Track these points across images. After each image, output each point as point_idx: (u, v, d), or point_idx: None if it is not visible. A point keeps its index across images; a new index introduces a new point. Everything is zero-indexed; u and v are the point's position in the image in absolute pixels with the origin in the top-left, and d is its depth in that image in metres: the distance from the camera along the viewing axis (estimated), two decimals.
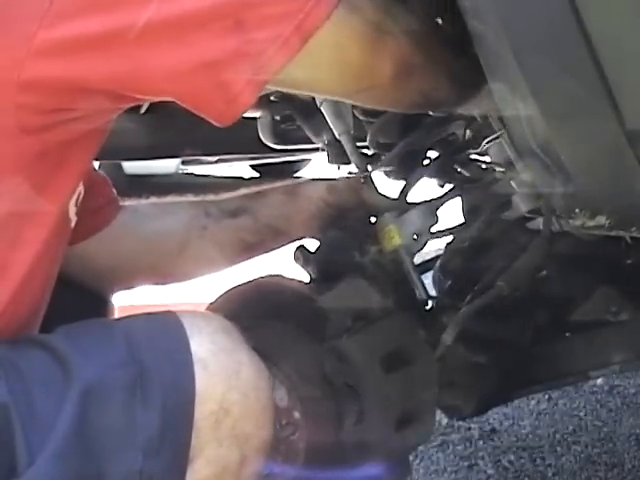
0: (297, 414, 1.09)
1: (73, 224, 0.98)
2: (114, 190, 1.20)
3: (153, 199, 1.21)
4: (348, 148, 1.37)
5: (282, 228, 1.24)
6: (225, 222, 1.21)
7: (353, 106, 1.38)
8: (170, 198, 1.25)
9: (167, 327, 0.89)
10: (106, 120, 0.95)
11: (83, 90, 0.86)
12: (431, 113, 1.24)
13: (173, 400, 0.84)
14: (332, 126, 1.37)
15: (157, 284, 1.26)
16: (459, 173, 1.41)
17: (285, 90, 1.06)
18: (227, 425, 0.86)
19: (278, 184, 1.26)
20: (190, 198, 1.24)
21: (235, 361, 0.89)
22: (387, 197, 1.27)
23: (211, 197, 1.25)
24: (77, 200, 0.98)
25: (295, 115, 1.57)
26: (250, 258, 1.26)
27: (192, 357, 0.86)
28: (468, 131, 1.31)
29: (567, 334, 1.38)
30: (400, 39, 0.94)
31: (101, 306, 1.20)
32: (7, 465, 0.80)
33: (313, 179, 1.32)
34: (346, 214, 1.24)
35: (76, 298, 1.02)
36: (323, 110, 1.40)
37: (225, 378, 0.87)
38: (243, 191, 1.24)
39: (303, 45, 0.86)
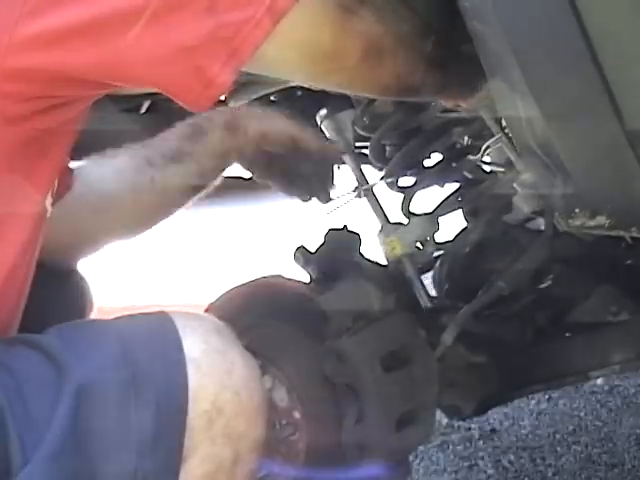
0: (297, 414, 1.09)
1: (49, 214, 0.99)
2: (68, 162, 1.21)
3: (94, 156, 1.20)
4: (351, 166, 1.37)
5: (224, 166, 1.25)
6: (170, 169, 1.22)
7: (353, 122, 1.38)
8: (110, 151, 1.23)
9: (160, 328, 0.89)
10: (86, 106, 0.95)
11: (64, 78, 0.87)
12: (413, 100, 1.24)
13: (167, 400, 0.85)
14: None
15: (117, 242, 1.27)
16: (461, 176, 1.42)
17: (259, 72, 1.06)
18: (220, 424, 0.86)
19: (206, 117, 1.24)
20: (128, 147, 1.22)
21: (227, 361, 0.89)
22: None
23: (148, 142, 1.24)
24: (52, 191, 0.98)
25: (294, 114, 1.57)
26: (198, 198, 1.27)
27: (185, 357, 0.86)
28: (468, 138, 1.31)
29: (567, 334, 1.38)
30: (370, 21, 0.94)
31: (76, 290, 1.21)
32: (2, 465, 0.80)
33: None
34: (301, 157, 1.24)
35: (50, 282, 1.02)
36: (324, 128, 1.40)
37: (218, 378, 0.87)
38: (180, 129, 1.24)
39: (275, 25, 0.86)
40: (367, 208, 1.36)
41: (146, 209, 1.24)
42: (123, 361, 0.85)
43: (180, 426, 0.84)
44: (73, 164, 1.18)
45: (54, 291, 0.99)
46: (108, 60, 0.86)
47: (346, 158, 1.38)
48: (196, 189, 1.25)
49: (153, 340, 0.88)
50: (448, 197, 1.37)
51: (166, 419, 0.84)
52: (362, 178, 1.37)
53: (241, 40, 0.86)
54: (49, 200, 0.97)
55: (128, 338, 0.88)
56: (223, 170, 1.25)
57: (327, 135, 1.43)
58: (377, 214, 1.34)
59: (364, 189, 1.32)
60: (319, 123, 1.40)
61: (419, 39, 0.99)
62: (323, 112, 1.43)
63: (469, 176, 1.41)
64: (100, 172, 1.22)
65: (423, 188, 1.36)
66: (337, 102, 1.42)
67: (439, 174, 1.38)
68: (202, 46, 0.86)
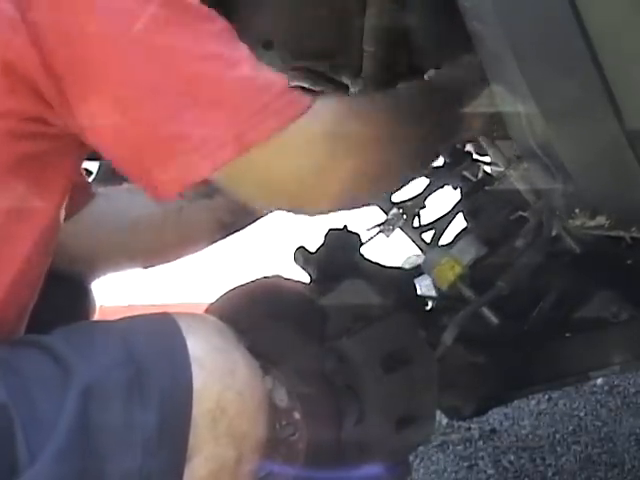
0: (297, 414, 1.09)
1: (62, 219, 0.99)
2: (86, 176, 1.20)
3: (126, 185, 1.19)
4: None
5: (258, 211, 1.22)
6: (200, 202, 1.20)
7: None
8: None
9: (164, 328, 0.90)
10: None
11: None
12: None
13: (171, 399, 0.85)
14: None
15: (136, 268, 1.26)
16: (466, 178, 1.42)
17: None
18: (224, 424, 0.87)
19: None
20: None
21: (230, 361, 0.89)
22: None
23: None
24: (64, 204, 0.98)
25: None
26: (227, 236, 1.25)
27: (189, 357, 0.87)
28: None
29: (567, 334, 1.38)
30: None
31: (80, 293, 1.20)
32: (8, 465, 0.81)
33: None
34: None
35: (55, 286, 1.02)
36: None
37: (221, 377, 0.88)
38: None
39: (238, 154, 0.85)
40: (367, 209, 1.36)
41: (169, 239, 1.22)
42: (128, 361, 0.86)
43: (184, 425, 0.85)
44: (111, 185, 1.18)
45: (58, 293, 0.99)
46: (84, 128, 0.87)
47: None
48: (225, 226, 1.23)
49: (157, 340, 0.88)
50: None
51: (170, 418, 0.85)
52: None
53: (199, 158, 0.85)
54: (62, 213, 0.97)
55: (132, 339, 0.88)
56: (257, 214, 1.23)
57: None
58: (414, 241, 1.31)
59: (388, 227, 1.29)
60: None
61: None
62: None
63: (472, 178, 1.41)
64: (130, 196, 1.21)
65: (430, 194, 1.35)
66: None
67: (445, 177, 1.38)
68: (156, 154, 0.86)
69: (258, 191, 0.92)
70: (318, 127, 0.90)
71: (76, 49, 0.84)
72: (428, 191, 1.32)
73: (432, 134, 1.02)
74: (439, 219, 1.31)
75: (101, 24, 0.84)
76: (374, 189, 1.01)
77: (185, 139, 0.85)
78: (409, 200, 1.29)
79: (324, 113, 0.91)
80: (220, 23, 0.89)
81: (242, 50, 0.89)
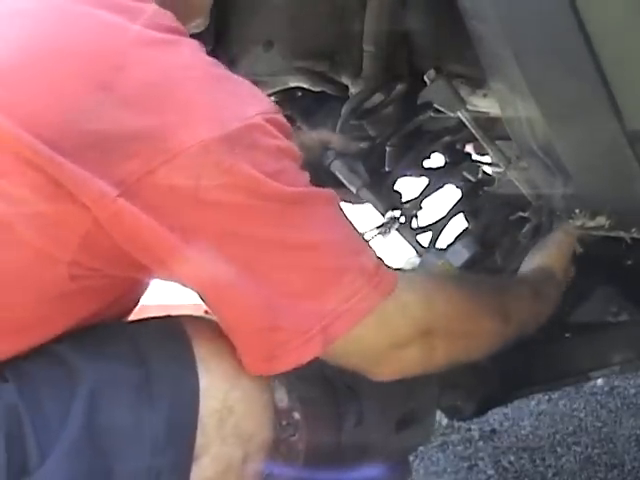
0: (297, 415, 1.08)
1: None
2: None
3: None
4: (371, 200, 1.35)
5: None
6: None
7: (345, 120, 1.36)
8: None
9: (170, 330, 0.91)
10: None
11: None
12: None
13: (178, 399, 0.86)
14: (347, 183, 1.34)
15: None
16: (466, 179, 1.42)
17: None
18: (231, 424, 0.88)
19: None
20: None
21: (236, 361, 0.90)
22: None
23: None
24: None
25: (295, 116, 1.57)
26: None
27: (195, 358, 0.87)
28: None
29: (567, 334, 1.37)
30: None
31: None
32: (19, 464, 0.82)
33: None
34: None
35: None
36: (334, 170, 1.37)
37: (227, 378, 0.88)
38: None
39: (323, 349, 0.87)
40: (366, 209, 1.35)
41: None
42: (135, 362, 0.87)
43: (192, 425, 0.86)
44: None
45: None
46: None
47: (365, 196, 1.35)
48: None
49: (164, 342, 0.89)
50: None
51: (178, 418, 0.85)
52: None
53: (286, 351, 0.86)
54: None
55: (139, 340, 0.89)
56: None
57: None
58: (411, 243, 1.31)
59: (385, 229, 1.30)
60: (327, 165, 1.37)
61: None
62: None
63: (471, 178, 1.41)
64: None
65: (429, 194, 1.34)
66: (337, 102, 1.42)
67: (443, 176, 1.37)
68: (246, 337, 0.87)
69: (331, 358, 0.92)
70: (399, 315, 0.91)
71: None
72: (427, 192, 1.32)
73: (514, 333, 1.04)
74: (437, 221, 1.31)
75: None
76: (438, 370, 1.02)
77: (276, 331, 0.86)
78: (407, 202, 1.29)
79: (409, 300, 0.92)
80: (325, 195, 0.89)
81: (341, 222, 0.90)
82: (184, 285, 0.89)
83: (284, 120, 0.87)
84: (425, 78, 1.23)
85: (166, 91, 0.81)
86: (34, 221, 0.82)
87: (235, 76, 0.88)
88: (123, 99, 0.80)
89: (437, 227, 1.30)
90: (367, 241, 0.95)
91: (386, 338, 0.91)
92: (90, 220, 0.82)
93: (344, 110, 1.30)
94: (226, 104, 0.83)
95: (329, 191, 0.90)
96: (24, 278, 0.84)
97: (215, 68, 0.86)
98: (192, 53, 0.85)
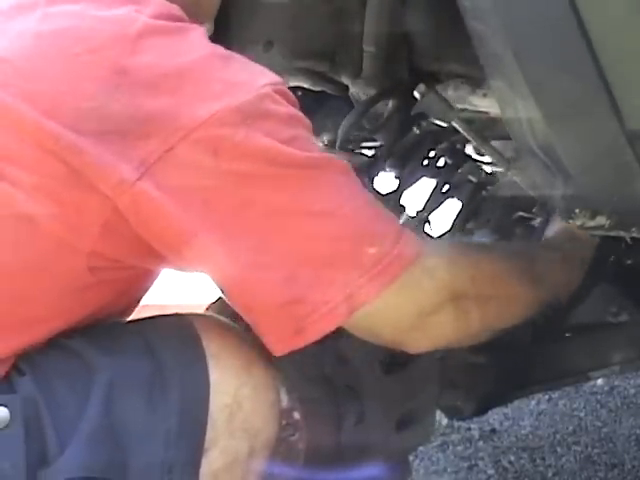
0: (297, 415, 1.08)
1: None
2: None
3: None
4: None
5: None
6: None
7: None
8: None
9: (180, 326, 0.92)
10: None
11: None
12: None
13: (190, 394, 0.87)
14: None
15: None
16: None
17: None
18: (239, 418, 0.89)
19: None
20: None
21: (245, 358, 0.91)
22: None
23: None
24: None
25: None
26: None
27: (205, 353, 0.89)
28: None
29: (567, 334, 1.37)
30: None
31: None
32: (39, 454, 0.84)
33: None
34: None
35: None
36: None
37: (237, 373, 0.90)
38: None
39: (349, 317, 0.86)
40: None
41: None
42: (147, 357, 0.88)
43: (202, 419, 0.87)
44: None
45: None
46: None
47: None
48: None
49: (174, 338, 0.90)
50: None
51: (190, 411, 0.87)
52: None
53: (311, 322, 0.86)
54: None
55: (150, 336, 0.91)
56: None
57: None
58: None
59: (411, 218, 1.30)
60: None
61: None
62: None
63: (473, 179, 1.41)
64: None
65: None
66: (337, 102, 1.42)
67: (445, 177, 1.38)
68: (269, 315, 0.87)
69: (362, 332, 0.93)
70: (426, 280, 0.91)
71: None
72: (430, 206, 1.33)
73: (545, 297, 1.04)
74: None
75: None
76: (474, 340, 1.02)
77: (299, 303, 0.85)
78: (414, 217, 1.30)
79: (436, 265, 0.92)
80: (339, 163, 0.89)
81: (359, 189, 0.90)
82: (200, 271, 0.89)
83: (291, 92, 0.89)
84: (415, 93, 1.23)
85: (178, 72, 0.84)
86: (55, 212, 0.83)
87: (240, 55, 0.90)
88: (137, 82, 0.83)
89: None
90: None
91: (415, 305, 0.90)
92: (110, 209, 0.83)
93: (345, 122, 1.31)
94: (236, 78, 0.86)
95: (343, 161, 0.90)
96: (44, 271, 0.86)
97: (221, 49, 0.89)
98: (200, 38, 0.88)
